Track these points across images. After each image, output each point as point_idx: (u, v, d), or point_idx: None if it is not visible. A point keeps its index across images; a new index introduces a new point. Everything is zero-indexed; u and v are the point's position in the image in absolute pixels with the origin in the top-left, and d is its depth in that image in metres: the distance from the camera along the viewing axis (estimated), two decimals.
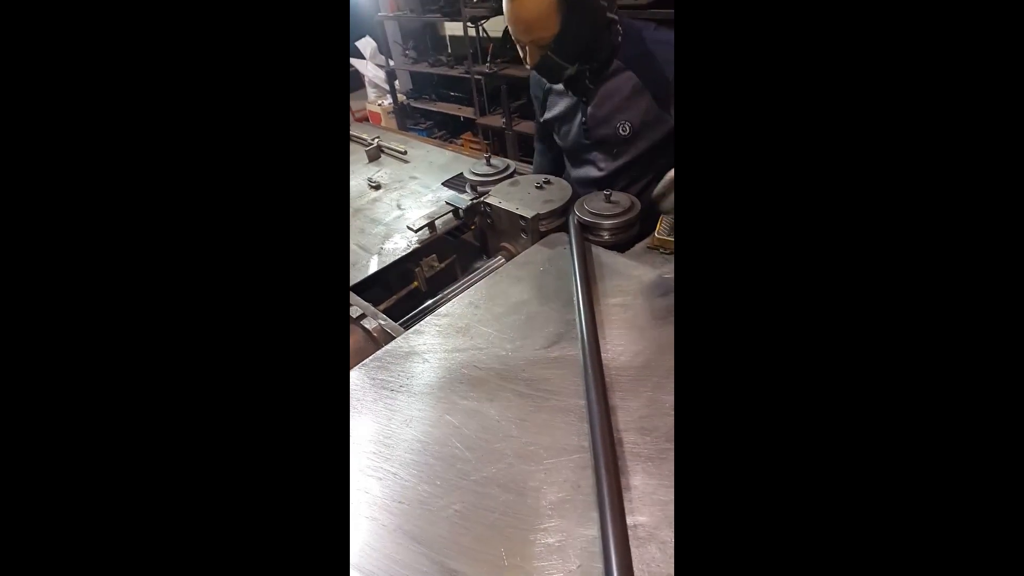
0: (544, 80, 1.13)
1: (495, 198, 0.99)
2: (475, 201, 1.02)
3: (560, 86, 1.11)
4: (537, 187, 0.99)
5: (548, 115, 1.20)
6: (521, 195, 0.99)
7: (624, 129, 1.06)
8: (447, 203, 1.04)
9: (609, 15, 0.98)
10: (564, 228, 0.95)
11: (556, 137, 1.23)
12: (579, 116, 1.12)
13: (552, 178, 1.02)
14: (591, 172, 1.16)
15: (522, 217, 0.93)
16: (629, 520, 0.51)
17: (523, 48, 1.01)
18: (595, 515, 0.51)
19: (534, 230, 0.93)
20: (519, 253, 0.94)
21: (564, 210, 0.95)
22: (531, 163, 1.41)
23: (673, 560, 0.47)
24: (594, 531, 0.50)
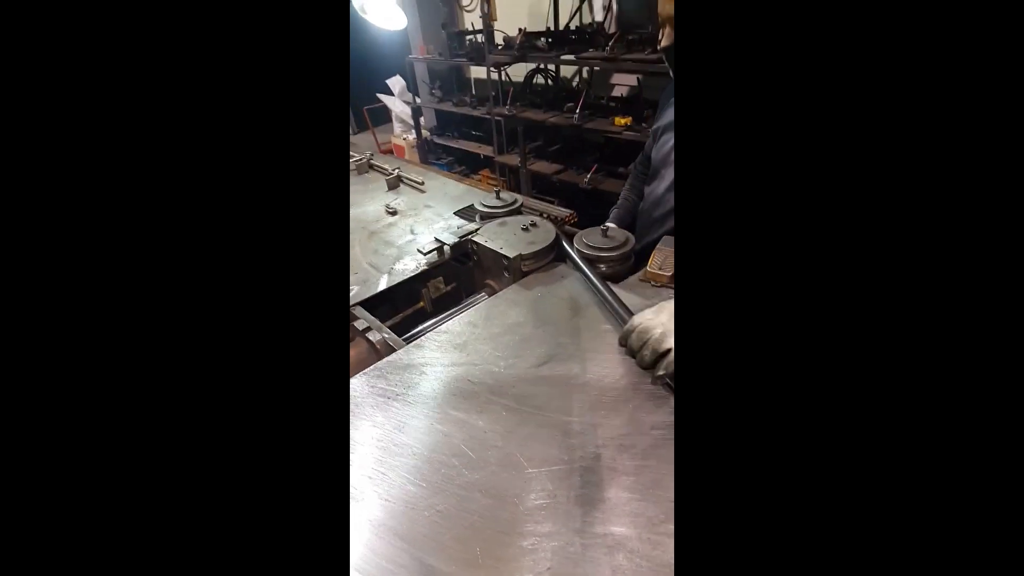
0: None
1: (481, 236, 1.04)
2: (462, 239, 1.06)
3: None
4: (523, 229, 1.04)
5: (657, 123, 1.23)
6: (507, 235, 1.03)
7: None
8: (435, 239, 1.09)
9: None
10: (555, 262, 1.01)
11: (653, 148, 1.24)
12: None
13: (538, 220, 1.07)
14: (661, 186, 1.16)
15: (505, 256, 0.97)
16: (601, 529, 0.53)
17: (664, 28, 1.02)
18: (568, 522, 0.54)
19: (516, 269, 0.97)
20: (501, 291, 0.98)
21: (547, 251, 1.00)
22: (544, 199, 1.47)
23: (638, 569, 0.49)
24: (567, 539, 0.53)
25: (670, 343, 0.68)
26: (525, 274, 0.99)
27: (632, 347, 0.73)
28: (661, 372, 0.68)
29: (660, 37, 1.05)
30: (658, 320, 0.71)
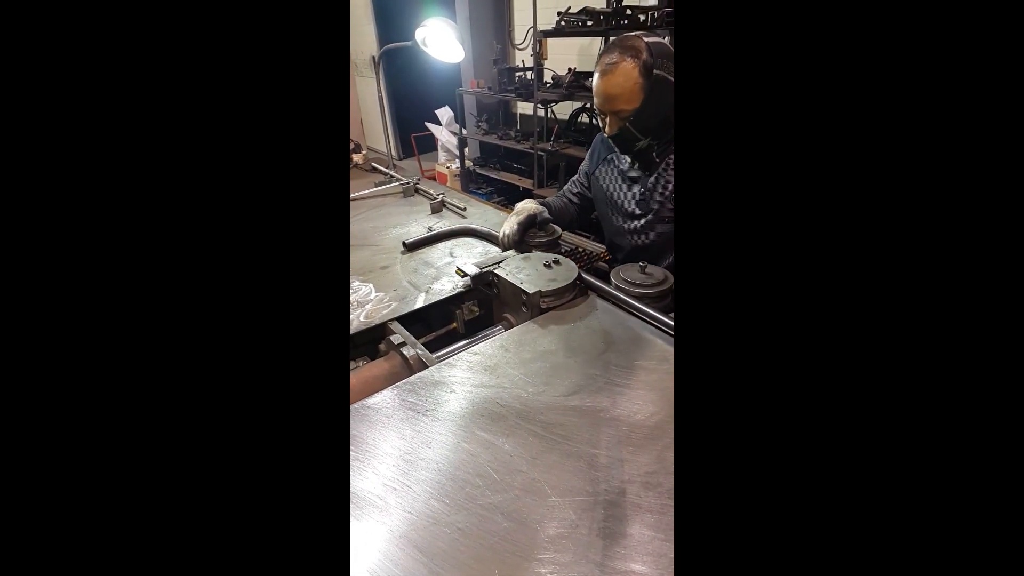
0: (613, 154, 1.27)
1: (503, 270, 1.04)
2: (484, 270, 1.07)
3: (625, 162, 1.23)
4: (546, 265, 1.03)
5: (607, 194, 1.31)
6: (529, 270, 1.03)
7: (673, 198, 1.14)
8: (457, 268, 1.10)
9: None
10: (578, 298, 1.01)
11: (606, 212, 1.32)
12: (638, 187, 1.22)
13: (562, 259, 1.06)
14: (633, 240, 1.23)
15: (524, 292, 0.97)
16: (621, 565, 0.52)
17: (604, 117, 1.14)
18: (589, 555, 0.53)
19: (534, 305, 0.96)
20: (518, 325, 0.97)
21: (568, 289, 0.99)
22: (581, 234, 1.51)
23: None
24: (586, 570, 0.52)
25: None
26: (543, 311, 0.97)
27: None
28: None
29: (604, 126, 1.15)
30: None
